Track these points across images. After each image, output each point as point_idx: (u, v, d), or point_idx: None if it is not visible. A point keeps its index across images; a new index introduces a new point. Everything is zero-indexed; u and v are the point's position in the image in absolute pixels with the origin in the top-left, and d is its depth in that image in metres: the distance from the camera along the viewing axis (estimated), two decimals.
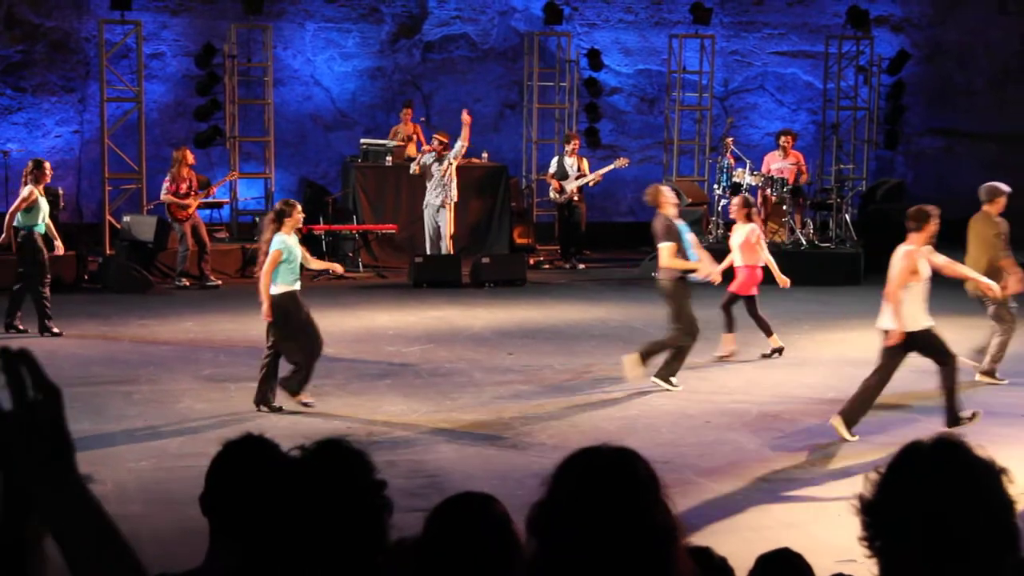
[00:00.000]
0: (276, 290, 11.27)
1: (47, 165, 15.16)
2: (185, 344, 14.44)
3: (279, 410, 11.25)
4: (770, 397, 12.05)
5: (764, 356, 13.84)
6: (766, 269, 14.12)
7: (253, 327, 15.50)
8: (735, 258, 14.02)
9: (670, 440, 10.48)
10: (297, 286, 11.38)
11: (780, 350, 13.89)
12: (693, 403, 11.81)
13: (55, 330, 14.68)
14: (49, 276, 14.85)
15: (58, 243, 15.10)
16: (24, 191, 14.82)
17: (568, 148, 21.23)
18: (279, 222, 11.34)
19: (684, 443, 10.41)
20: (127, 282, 18.02)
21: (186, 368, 13.11)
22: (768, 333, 13.92)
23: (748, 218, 14.21)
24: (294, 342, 11.35)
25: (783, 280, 14.12)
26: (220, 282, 18.79)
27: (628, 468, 2.58)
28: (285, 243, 11.26)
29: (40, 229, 14.78)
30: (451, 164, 19.20)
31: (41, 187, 14.89)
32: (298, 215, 11.45)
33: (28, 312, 14.77)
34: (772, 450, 10.24)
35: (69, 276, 18.27)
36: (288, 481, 2.84)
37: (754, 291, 13.98)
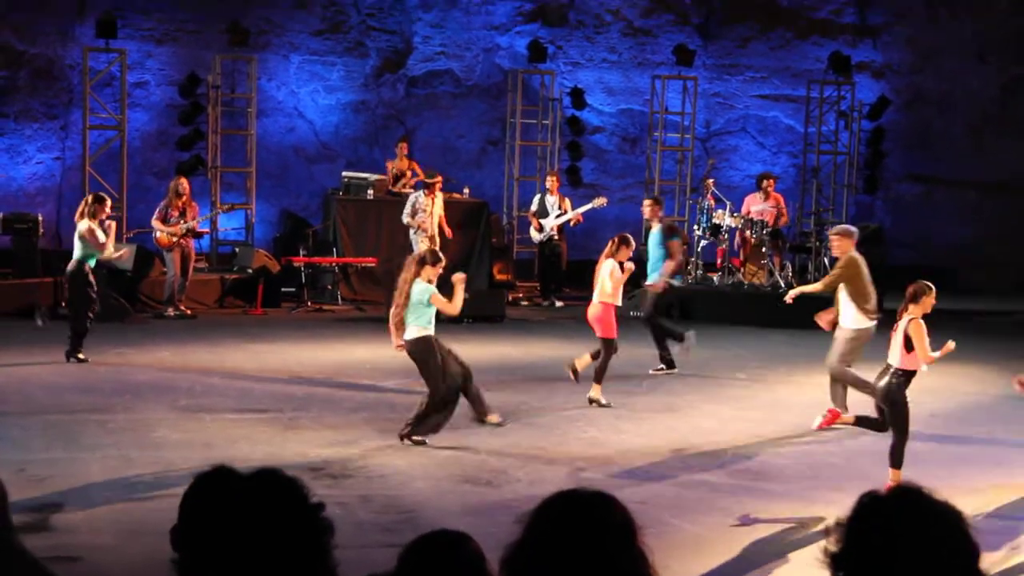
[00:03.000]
0: (411, 334, 11.36)
1: (108, 201, 15.36)
2: (161, 374, 14.38)
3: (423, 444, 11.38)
4: (745, 438, 12.05)
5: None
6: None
7: (230, 357, 15.49)
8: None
9: (646, 480, 10.47)
10: (431, 330, 11.43)
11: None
12: (668, 443, 11.80)
13: (81, 356, 14.79)
14: (97, 307, 15.07)
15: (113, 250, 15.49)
16: (82, 226, 14.86)
17: (549, 186, 21.30)
18: (420, 267, 11.42)
19: (660, 483, 10.40)
20: (105, 310, 17.92)
21: (162, 398, 13.04)
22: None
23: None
24: (432, 385, 11.46)
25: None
26: (190, 311, 18.72)
27: (604, 513, 2.58)
28: (427, 289, 11.36)
29: (91, 263, 14.87)
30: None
31: (97, 221, 14.94)
32: (439, 268, 11.61)
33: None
34: (747, 492, 10.24)
35: (47, 302, 18.21)
36: (228, 512, 2.83)
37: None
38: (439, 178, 19.80)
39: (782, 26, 25.57)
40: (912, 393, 10.47)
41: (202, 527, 3.26)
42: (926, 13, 25.95)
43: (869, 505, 2.50)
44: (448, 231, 19.57)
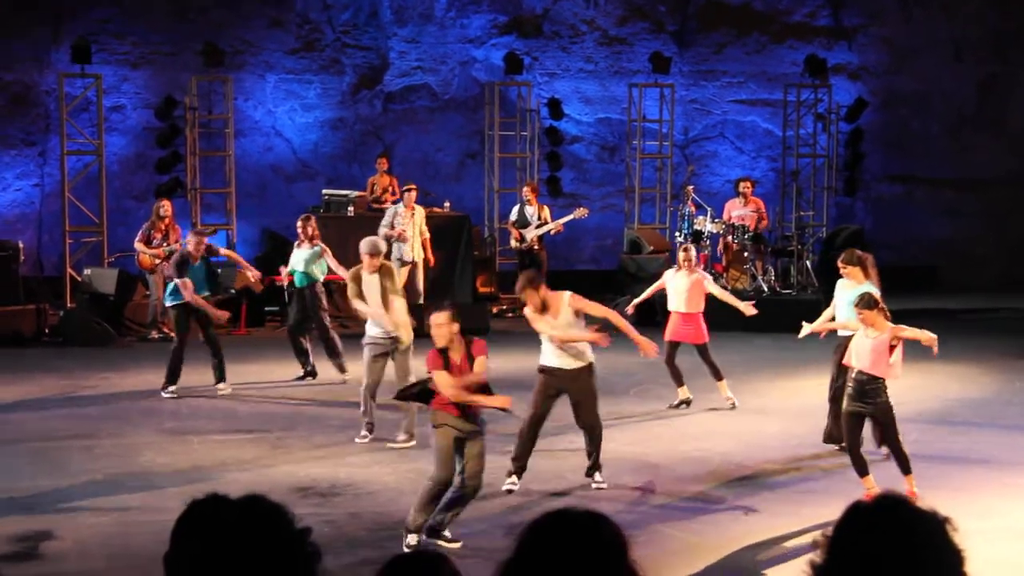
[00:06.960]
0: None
1: (313, 219, 16.22)
2: (147, 397, 14.33)
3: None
4: (732, 445, 12.05)
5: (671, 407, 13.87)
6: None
7: (212, 378, 15.40)
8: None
9: (635, 488, 10.47)
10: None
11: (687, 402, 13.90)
12: (656, 452, 11.80)
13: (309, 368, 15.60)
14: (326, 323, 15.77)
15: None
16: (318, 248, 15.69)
17: (526, 196, 21.27)
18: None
19: (649, 492, 10.40)
20: (89, 335, 17.89)
21: (148, 421, 13.01)
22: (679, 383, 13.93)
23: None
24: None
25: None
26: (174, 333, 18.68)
27: (595, 532, 2.57)
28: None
29: (303, 281, 15.72)
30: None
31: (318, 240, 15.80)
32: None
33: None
34: (736, 500, 10.24)
35: (29, 330, 18.14)
36: (217, 541, 2.82)
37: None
38: (412, 186, 19.82)
39: (757, 30, 25.63)
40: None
41: (192, 554, 3.24)
42: (900, 14, 26.04)
43: (852, 515, 2.49)
44: (431, 258, 19.65)
